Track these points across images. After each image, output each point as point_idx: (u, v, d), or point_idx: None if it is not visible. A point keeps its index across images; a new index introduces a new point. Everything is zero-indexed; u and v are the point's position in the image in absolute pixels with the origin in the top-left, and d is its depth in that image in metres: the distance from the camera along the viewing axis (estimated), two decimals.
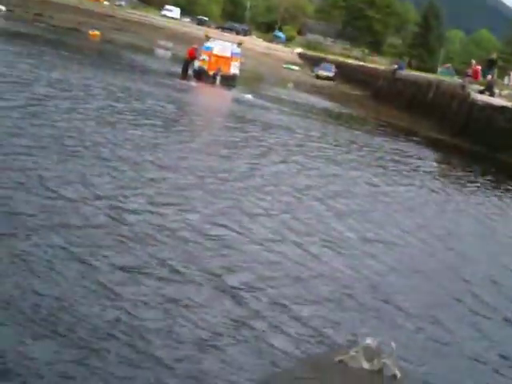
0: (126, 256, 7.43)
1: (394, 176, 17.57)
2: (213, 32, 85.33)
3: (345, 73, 67.82)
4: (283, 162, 15.74)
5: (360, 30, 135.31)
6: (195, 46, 35.78)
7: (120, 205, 9.27)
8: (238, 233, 9.29)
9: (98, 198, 9.41)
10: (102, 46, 47.11)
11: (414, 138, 29.03)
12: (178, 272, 7.33)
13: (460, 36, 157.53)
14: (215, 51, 35.27)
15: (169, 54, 54.86)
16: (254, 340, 6.20)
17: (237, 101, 29.48)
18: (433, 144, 28.34)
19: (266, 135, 19.47)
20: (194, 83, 32.40)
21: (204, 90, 32.44)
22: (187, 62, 34.85)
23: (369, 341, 5.93)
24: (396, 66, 51.16)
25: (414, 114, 38.72)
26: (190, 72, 34.45)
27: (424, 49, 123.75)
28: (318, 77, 67.69)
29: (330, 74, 67.96)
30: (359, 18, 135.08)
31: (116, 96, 20.56)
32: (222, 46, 36.14)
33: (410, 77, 47.32)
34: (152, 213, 9.26)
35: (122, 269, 7.05)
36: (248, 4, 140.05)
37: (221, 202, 10.69)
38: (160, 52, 53.44)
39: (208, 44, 35.84)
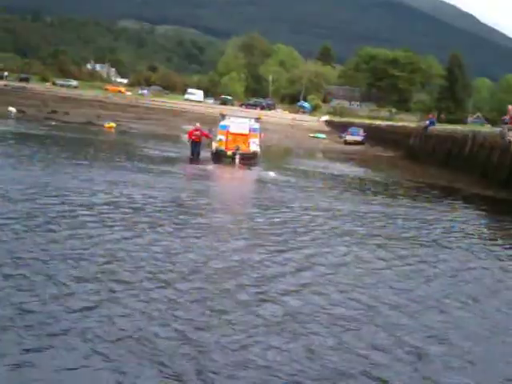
0: None
1: (447, 251, 14.91)
2: (231, 109, 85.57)
3: (374, 135, 65.66)
4: (315, 254, 13.20)
5: (385, 90, 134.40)
6: (197, 125, 33.92)
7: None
8: None
9: None
10: (115, 137, 45.55)
11: (458, 198, 26.30)
12: None
13: (487, 84, 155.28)
14: (232, 129, 33.26)
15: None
16: None
17: (258, 181, 27.11)
18: (479, 201, 25.61)
19: (289, 220, 16.90)
20: (210, 166, 30.08)
21: (221, 173, 30.27)
22: (193, 144, 32.81)
23: None
24: (427, 122, 48.70)
25: (452, 171, 36.29)
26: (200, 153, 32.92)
27: (451, 101, 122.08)
28: (346, 142, 65.65)
29: (359, 138, 65.86)
30: (383, 79, 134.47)
31: (118, 193, 18.45)
32: (238, 123, 34.09)
33: (443, 131, 44.89)
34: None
35: None
36: (270, 78, 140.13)
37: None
38: (179, 136, 51.72)
39: (223, 122, 33.90)
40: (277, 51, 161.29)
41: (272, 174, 29.00)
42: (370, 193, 26.39)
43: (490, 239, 17.26)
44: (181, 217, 15.78)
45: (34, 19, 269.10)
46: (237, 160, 31.32)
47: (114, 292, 9.23)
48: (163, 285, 9.85)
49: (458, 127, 50.35)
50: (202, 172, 28.07)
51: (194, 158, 32.34)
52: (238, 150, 31.75)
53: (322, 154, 53.20)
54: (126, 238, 12.57)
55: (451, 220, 20.11)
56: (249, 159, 32.12)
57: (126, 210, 15.77)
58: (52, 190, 17.65)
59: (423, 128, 48.54)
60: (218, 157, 32.28)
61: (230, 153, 31.92)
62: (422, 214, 20.94)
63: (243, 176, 29.95)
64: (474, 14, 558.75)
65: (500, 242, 16.77)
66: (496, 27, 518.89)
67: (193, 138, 32.75)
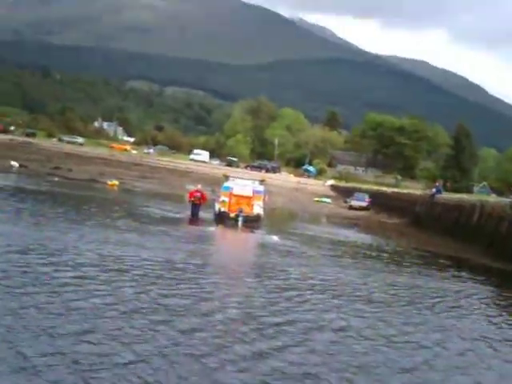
0: None
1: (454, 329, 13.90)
2: (236, 170, 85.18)
3: (379, 201, 64.91)
4: (310, 328, 12.22)
5: (391, 156, 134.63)
6: (199, 186, 33.17)
7: None
8: None
9: None
10: (117, 195, 44.74)
11: (465, 268, 25.32)
12: None
13: (493, 154, 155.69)
14: (235, 191, 32.60)
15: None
16: None
17: (260, 245, 26.03)
18: (486, 273, 24.64)
19: (287, 288, 15.87)
20: (212, 228, 29.26)
21: (223, 235, 29.35)
22: (193, 206, 32.02)
23: None
24: (434, 190, 47.89)
25: (458, 240, 35.36)
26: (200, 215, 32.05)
27: (457, 169, 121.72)
28: (351, 208, 64.84)
29: (364, 204, 65.05)
30: (389, 145, 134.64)
31: (106, 252, 17.57)
32: (242, 185, 33.57)
33: (450, 200, 44.09)
34: None
35: None
36: (276, 142, 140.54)
37: None
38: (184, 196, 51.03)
39: (227, 184, 33.25)
40: (283, 115, 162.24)
41: (275, 238, 28.04)
42: (374, 261, 25.26)
43: (497, 315, 16.26)
44: (167, 281, 14.87)
45: (44, 75, 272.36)
46: (240, 222, 30.42)
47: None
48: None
49: (465, 196, 49.50)
50: (202, 233, 27.09)
51: (194, 219, 31.49)
52: (241, 212, 30.94)
53: (327, 218, 52.36)
54: (105, 305, 11.61)
55: (458, 292, 19.17)
56: (252, 222, 31.28)
57: (111, 273, 14.86)
58: (36, 246, 16.85)
59: (430, 196, 47.77)
60: (221, 218, 31.49)
61: (232, 215, 31.14)
62: (426, 285, 19.97)
63: (245, 239, 29.03)
64: (482, 86, 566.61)
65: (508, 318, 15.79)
66: (504, 98, 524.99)
67: (192, 199, 32.01)
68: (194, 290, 13.96)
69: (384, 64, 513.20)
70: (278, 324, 11.94)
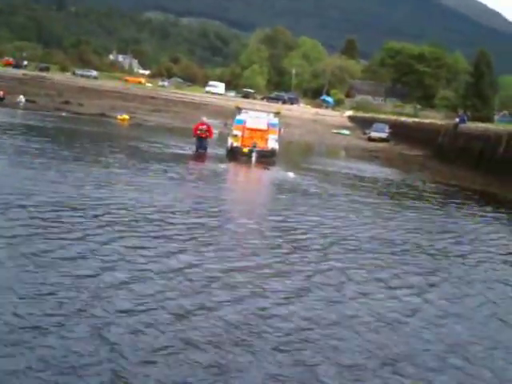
0: None
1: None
2: (252, 102, 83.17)
3: (399, 132, 62.87)
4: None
5: (410, 85, 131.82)
6: (203, 119, 31.28)
7: None
8: None
9: None
10: (125, 131, 43.14)
11: (497, 205, 23.91)
12: None
13: None
14: (248, 124, 30.70)
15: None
16: None
17: (276, 184, 24.13)
18: None
19: (305, 240, 14.20)
20: (223, 165, 27.49)
21: (235, 173, 27.70)
22: (199, 140, 30.04)
23: None
24: (457, 120, 45.84)
25: (484, 173, 33.74)
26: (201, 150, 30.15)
27: (477, 98, 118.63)
28: (370, 139, 62.92)
29: (384, 135, 63.02)
30: (408, 74, 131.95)
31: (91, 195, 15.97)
32: (256, 117, 31.44)
33: (475, 130, 42.12)
34: None
35: None
36: (293, 71, 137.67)
37: None
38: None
39: (240, 117, 31.36)
40: (300, 44, 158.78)
41: (291, 174, 26.38)
42: (397, 199, 23.72)
43: None
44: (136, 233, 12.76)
45: (59, 8, 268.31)
46: (253, 158, 28.80)
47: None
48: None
49: (491, 126, 47.53)
50: (210, 172, 25.01)
51: (202, 154, 29.72)
52: (255, 146, 29.33)
53: (346, 151, 50.72)
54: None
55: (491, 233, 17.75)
56: (266, 157, 29.70)
57: (77, 217, 13.25)
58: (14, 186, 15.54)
59: (453, 126, 45.76)
60: (234, 154, 29.92)
61: (246, 150, 29.48)
62: (456, 226, 18.56)
63: (259, 177, 27.37)
64: (501, 13, 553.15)
65: None
66: None
67: (198, 133, 29.99)
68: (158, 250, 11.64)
69: None
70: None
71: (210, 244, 12.34)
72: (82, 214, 13.39)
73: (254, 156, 28.85)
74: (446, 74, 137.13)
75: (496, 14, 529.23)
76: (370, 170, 35.16)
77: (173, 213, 15.06)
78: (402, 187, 27.84)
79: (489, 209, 22.83)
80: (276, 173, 27.16)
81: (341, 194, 22.87)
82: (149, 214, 14.37)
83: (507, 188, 28.59)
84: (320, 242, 13.80)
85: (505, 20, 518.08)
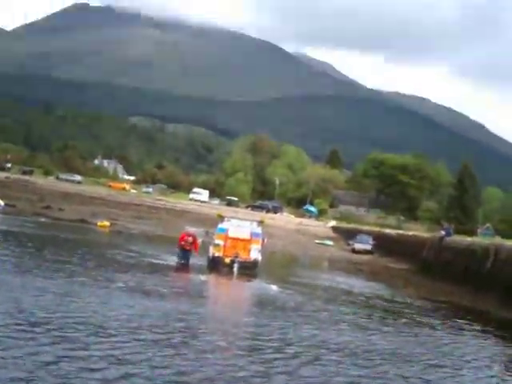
0: None
1: None
2: (236, 211, 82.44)
3: (383, 244, 62.22)
4: None
5: (393, 196, 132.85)
6: (190, 230, 30.34)
7: None
8: None
9: None
10: (104, 238, 42.14)
11: (487, 323, 22.92)
12: None
13: (497, 194, 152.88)
14: (231, 233, 29.86)
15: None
16: None
17: (257, 297, 23.04)
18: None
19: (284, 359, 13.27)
20: (203, 276, 26.48)
21: (215, 285, 26.55)
22: (184, 251, 28.69)
23: None
24: (443, 233, 45.14)
25: (471, 288, 32.89)
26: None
27: (461, 211, 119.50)
28: (354, 251, 62.14)
29: (368, 247, 62.26)
30: (392, 185, 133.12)
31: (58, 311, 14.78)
32: (238, 226, 30.62)
33: (460, 244, 41.41)
34: None
35: None
36: (277, 181, 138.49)
37: None
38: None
39: (222, 225, 30.51)
40: (284, 152, 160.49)
41: (274, 287, 25.32)
42: (384, 316, 22.60)
43: None
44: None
45: (47, 111, 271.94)
46: (235, 269, 27.86)
47: None
48: None
49: (477, 239, 46.96)
50: (189, 285, 23.96)
51: (183, 266, 28.39)
52: (237, 257, 28.42)
53: (330, 263, 49.90)
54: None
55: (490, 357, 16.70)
56: (249, 269, 28.70)
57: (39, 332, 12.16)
58: None
59: (439, 239, 45.03)
60: (215, 264, 28.92)
61: (228, 260, 28.55)
62: (449, 347, 17.51)
63: (240, 290, 26.29)
64: (484, 124, 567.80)
65: None
66: (507, 137, 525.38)
67: (182, 244, 28.81)
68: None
69: (385, 100, 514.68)
70: None
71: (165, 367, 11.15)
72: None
73: (235, 267, 27.92)
74: (429, 186, 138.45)
75: (479, 126, 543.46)
76: (356, 284, 34.14)
77: (134, 328, 13.97)
78: (388, 303, 26.80)
79: (478, 327, 21.84)
80: (258, 285, 26.14)
81: (324, 310, 21.70)
82: (103, 329, 13.27)
83: (496, 304, 27.72)
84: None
85: (488, 132, 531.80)
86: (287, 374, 11.90)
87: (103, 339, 12.36)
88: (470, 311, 26.76)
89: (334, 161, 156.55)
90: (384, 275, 41.88)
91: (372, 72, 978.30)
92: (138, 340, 12.76)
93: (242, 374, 11.43)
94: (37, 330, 12.36)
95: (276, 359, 12.91)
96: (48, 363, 10.13)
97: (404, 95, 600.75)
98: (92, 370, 10.20)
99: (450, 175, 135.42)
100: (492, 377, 14.51)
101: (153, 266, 27.90)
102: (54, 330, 12.59)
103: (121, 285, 20.56)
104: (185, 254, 28.82)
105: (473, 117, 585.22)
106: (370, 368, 13.45)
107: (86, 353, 11.12)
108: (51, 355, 10.61)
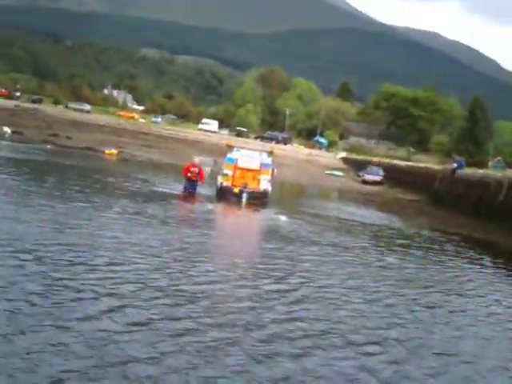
0: None
1: None
2: (246, 141, 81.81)
3: (393, 175, 61.74)
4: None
5: (404, 129, 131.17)
6: (196, 160, 29.51)
7: None
8: None
9: None
10: (111, 165, 41.47)
11: (499, 256, 22.60)
12: None
13: (510, 127, 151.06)
14: (240, 164, 29.21)
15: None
16: None
17: (267, 228, 22.38)
18: None
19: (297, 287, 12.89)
20: (210, 206, 26.11)
21: (223, 215, 26.02)
22: (190, 182, 27.98)
23: None
24: (455, 165, 44.50)
25: (483, 220, 32.56)
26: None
27: (472, 143, 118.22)
28: (364, 182, 61.76)
29: (378, 179, 61.91)
30: (403, 117, 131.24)
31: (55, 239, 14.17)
32: (248, 156, 29.87)
33: (473, 176, 40.83)
34: None
35: None
36: (287, 112, 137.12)
37: None
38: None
39: (231, 155, 29.91)
40: (296, 85, 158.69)
41: (283, 218, 24.71)
42: (398, 249, 22.07)
43: None
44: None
45: (55, 42, 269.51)
46: (244, 199, 27.34)
47: None
48: None
49: (490, 171, 46.33)
50: (196, 213, 23.39)
51: (190, 196, 27.65)
52: (245, 187, 27.86)
53: (340, 194, 49.45)
54: None
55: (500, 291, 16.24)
56: (258, 199, 28.17)
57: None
58: None
59: (451, 171, 44.44)
60: (223, 194, 28.42)
61: (236, 190, 28.00)
62: (459, 279, 17.10)
63: (249, 220, 25.72)
64: (496, 60, 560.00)
65: None
66: None
67: (189, 175, 28.07)
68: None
69: (397, 35, 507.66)
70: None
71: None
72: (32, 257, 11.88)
73: (244, 197, 27.38)
74: (441, 119, 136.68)
75: (492, 62, 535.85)
76: (366, 215, 33.61)
77: (139, 253, 13.62)
78: (399, 234, 26.37)
79: (489, 259, 21.41)
80: (267, 216, 25.61)
81: (333, 240, 21.06)
82: (97, 256, 12.80)
83: (508, 237, 27.30)
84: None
85: (500, 67, 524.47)
86: (291, 304, 11.52)
87: (95, 268, 11.86)
88: (481, 243, 26.35)
89: (345, 93, 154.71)
90: (395, 206, 41.45)
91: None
92: (130, 269, 12.23)
93: (241, 304, 11.02)
94: (27, 256, 11.88)
95: (279, 290, 12.49)
96: (34, 293, 9.70)
97: (416, 30, 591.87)
98: (81, 299, 9.74)
99: (462, 109, 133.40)
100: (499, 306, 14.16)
101: (158, 195, 27.32)
102: (44, 257, 12.11)
103: (122, 211, 19.94)
104: (191, 184, 28.12)
105: (484, 52, 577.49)
106: (378, 299, 13.07)
107: (75, 283, 10.63)
108: (38, 284, 10.17)
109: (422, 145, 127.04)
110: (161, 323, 9.21)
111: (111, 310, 9.38)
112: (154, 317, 9.46)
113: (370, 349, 9.51)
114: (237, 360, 8.18)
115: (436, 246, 23.31)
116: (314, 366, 8.42)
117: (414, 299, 13.57)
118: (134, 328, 8.86)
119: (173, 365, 7.70)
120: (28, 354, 7.34)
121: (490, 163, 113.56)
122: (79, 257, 12.52)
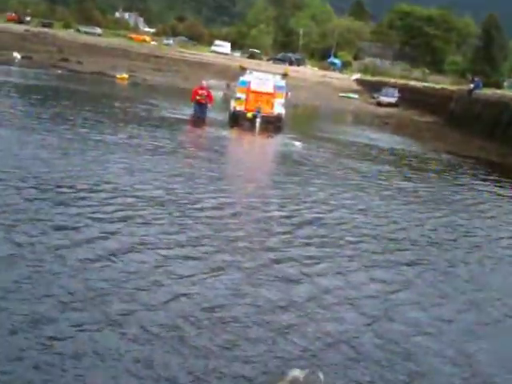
0: None
1: None
2: (260, 64, 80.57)
3: (408, 97, 60.74)
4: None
5: (419, 48, 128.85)
6: (204, 83, 28.86)
7: None
8: None
9: None
10: (123, 90, 40.94)
11: None
12: None
13: None
14: (253, 87, 28.31)
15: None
16: None
17: (281, 155, 22.19)
18: None
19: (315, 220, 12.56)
20: (224, 131, 25.63)
21: (236, 141, 25.61)
22: (198, 106, 27.50)
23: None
24: (472, 86, 43.65)
25: (500, 143, 32.07)
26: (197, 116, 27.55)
27: (487, 63, 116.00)
28: (379, 104, 60.86)
29: (393, 100, 60.85)
30: (417, 37, 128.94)
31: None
32: (261, 79, 28.89)
33: (491, 97, 40.01)
34: None
35: None
36: (301, 32, 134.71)
37: None
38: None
39: (244, 78, 29.02)
40: (308, 4, 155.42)
41: (298, 144, 24.29)
42: (418, 173, 21.72)
43: None
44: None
45: None
46: (257, 124, 26.94)
47: None
48: None
49: (507, 92, 45.42)
50: (209, 140, 23.00)
51: (200, 120, 27.14)
52: (259, 111, 27.40)
53: (355, 116, 48.88)
54: None
55: None
56: (272, 123, 27.75)
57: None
58: None
59: (468, 92, 43.61)
60: (236, 119, 27.99)
61: (250, 114, 27.50)
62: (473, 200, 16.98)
63: (263, 146, 25.38)
64: None
65: None
66: None
67: (197, 98, 27.51)
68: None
69: None
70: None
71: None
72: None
73: (257, 122, 26.97)
74: (456, 38, 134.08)
75: None
76: (383, 138, 33.16)
77: (143, 182, 13.42)
78: (416, 159, 26.01)
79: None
80: (281, 141, 25.25)
81: (352, 168, 20.53)
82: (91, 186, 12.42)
83: None
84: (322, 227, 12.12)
85: None
86: (301, 237, 11.24)
87: (86, 198, 11.55)
88: (498, 166, 26.04)
89: (358, 12, 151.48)
90: (411, 128, 40.92)
91: None
92: (124, 203, 11.67)
93: (241, 233, 10.78)
94: (31, 181, 11.82)
95: (291, 216, 12.39)
96: (26, 220, 9.57)
97: None
98: (74, 228, 9.56)
99: (478, 28, 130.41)
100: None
101: (167, 120, 26.92)
102: (47, 180, 12.07)
103: (126, 139, 19.41)
104: (201, 108, 27.63)
105: None
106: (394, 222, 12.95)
107: (64, 209, 10.49)
108: (29, 211, 10.03)
109: (437, 65, 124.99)
110: (166, 249, 9.17)
111: (108, 236, 9.40)
112: (157, 241, 9.40)
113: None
114: (232, 282, 8.29)
115: (452, 171, 23.07)
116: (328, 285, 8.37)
117: (437, 218, 13.49)
118: (141, 247, 9.00)
119: (174, 290, 7.72)
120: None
121: (505, 83, 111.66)
122: (80, 182, 12.44)
